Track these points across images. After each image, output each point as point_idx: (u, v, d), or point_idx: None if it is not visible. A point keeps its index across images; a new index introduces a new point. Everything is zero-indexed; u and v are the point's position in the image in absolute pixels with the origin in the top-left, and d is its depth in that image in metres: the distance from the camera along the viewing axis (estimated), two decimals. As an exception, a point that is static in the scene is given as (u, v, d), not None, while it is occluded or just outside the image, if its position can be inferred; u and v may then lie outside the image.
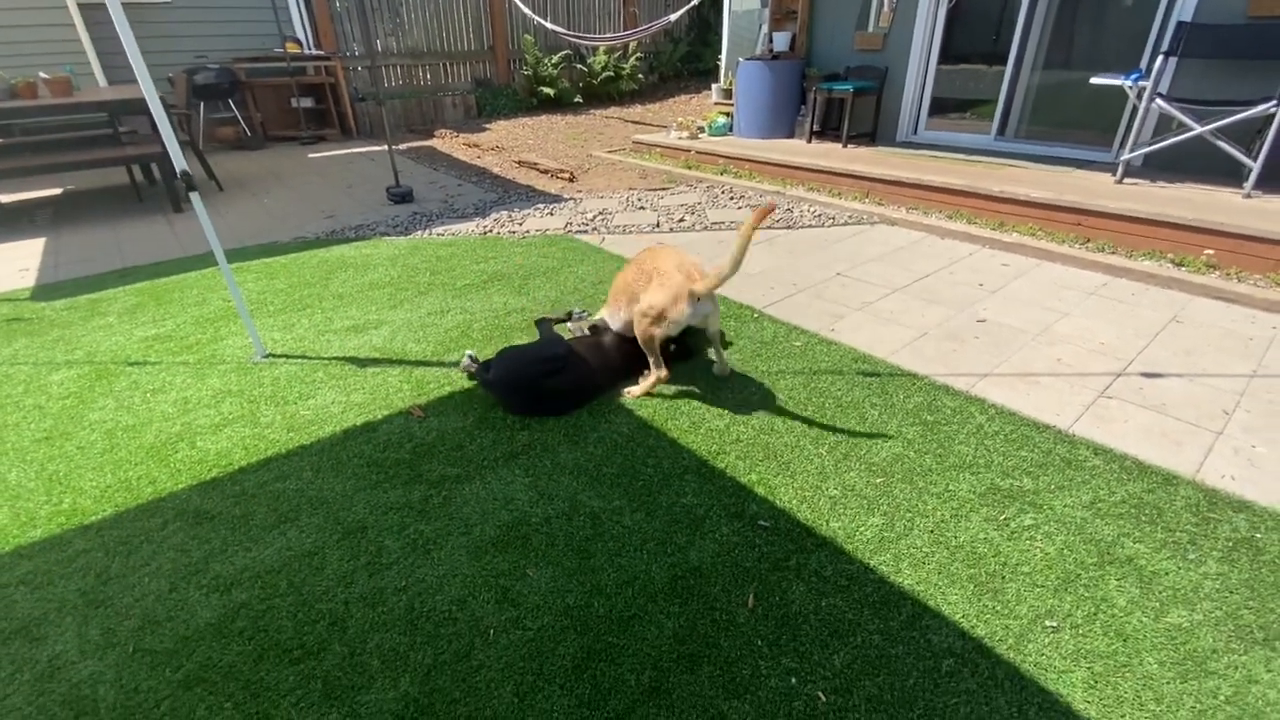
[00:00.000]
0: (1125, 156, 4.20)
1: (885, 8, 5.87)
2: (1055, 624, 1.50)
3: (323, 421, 2.36)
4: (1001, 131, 5.53)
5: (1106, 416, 2.27)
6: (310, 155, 7.30)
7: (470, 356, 2.62)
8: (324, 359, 2.81)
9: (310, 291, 3.54)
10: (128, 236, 4.57)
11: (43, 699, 1.40)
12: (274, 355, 2.85)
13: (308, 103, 7.97)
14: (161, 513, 1.94)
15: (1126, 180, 4.21)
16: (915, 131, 5.98)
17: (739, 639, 1.49)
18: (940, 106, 5.94)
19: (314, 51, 8.00)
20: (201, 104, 7.16)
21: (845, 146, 5.77)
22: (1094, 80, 4.29)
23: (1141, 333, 2.86)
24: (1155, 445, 2.11)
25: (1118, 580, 1.62)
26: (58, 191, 5.88)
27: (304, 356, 2.83)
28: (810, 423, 2.28)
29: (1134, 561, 1.67)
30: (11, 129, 5.79)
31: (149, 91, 2.37)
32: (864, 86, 5.75)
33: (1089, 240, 3.83)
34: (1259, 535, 1.73)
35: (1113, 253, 3.67)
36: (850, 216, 4.58)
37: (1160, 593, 1.58)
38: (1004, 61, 5.32)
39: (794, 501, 1.91)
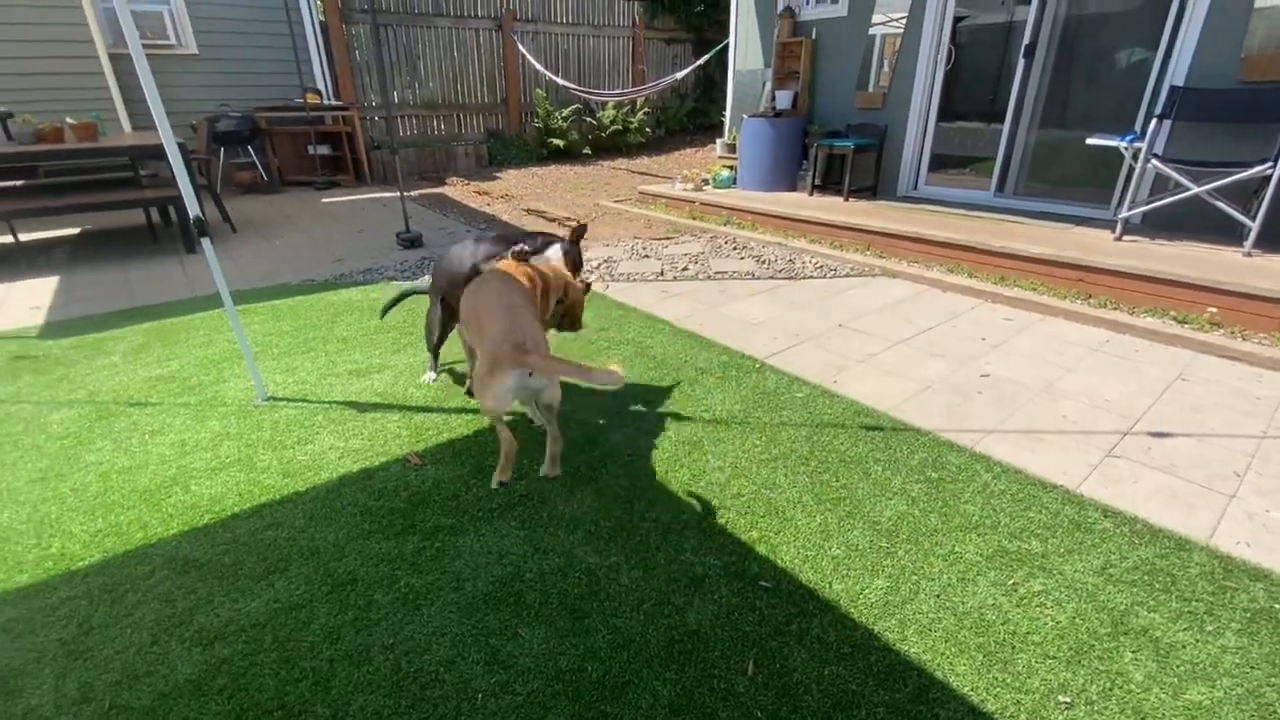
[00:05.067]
0: (1123, 214, 4.27)
1: (885, 68, 6.08)
2: (1069, 700, 1.44)
3: (319, 467, 2.33)
4: (1000, 188, 5.63)
5: (1115, 476, 2.23)
6: (324, 200, 7.48)
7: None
8: (325, 403, 2.80)
9: (315, 334, 3.56)
10: (139, 276, 4.64)
11: (9, 760, 1.34)
12: (275, 398, 2.85)
13: (324, 150, 8.21)
14: (150, 560, 1.90)
15: (1125, 237, 4.26)
16: (915, 187, 6.10)
17: (738, 710, 1.42)
18: (940, 163, 6.08)
19: (333, 102, 8.29)
20: (222, 149, 7.38)
21: (847, 200, 5.88)
22: (1090, 140, 4.39)
23: (1147, 390, 2.83)
24: (1166, 507, 2.06)
25: (1133, 652, 1.55)
26: (75, 231, 6.01)
27: (305, 400, 2.83)
28: (813, 478, 2.25)
29: (1149, 632, 1.61)
30: (37, 171, 5.97)
31: (167, 139, 2.44)
32: (865, 143, 5.90)
33: (1090, 296, 3.85)
34: (1278, 606, 1.67)
35: (1115, 309, 3.68)
36: (852, 269, 4.63)
37: (1178, 667, 1.51)
38: (1002, 120, 5.47)
39: (796, 561, 1.86)
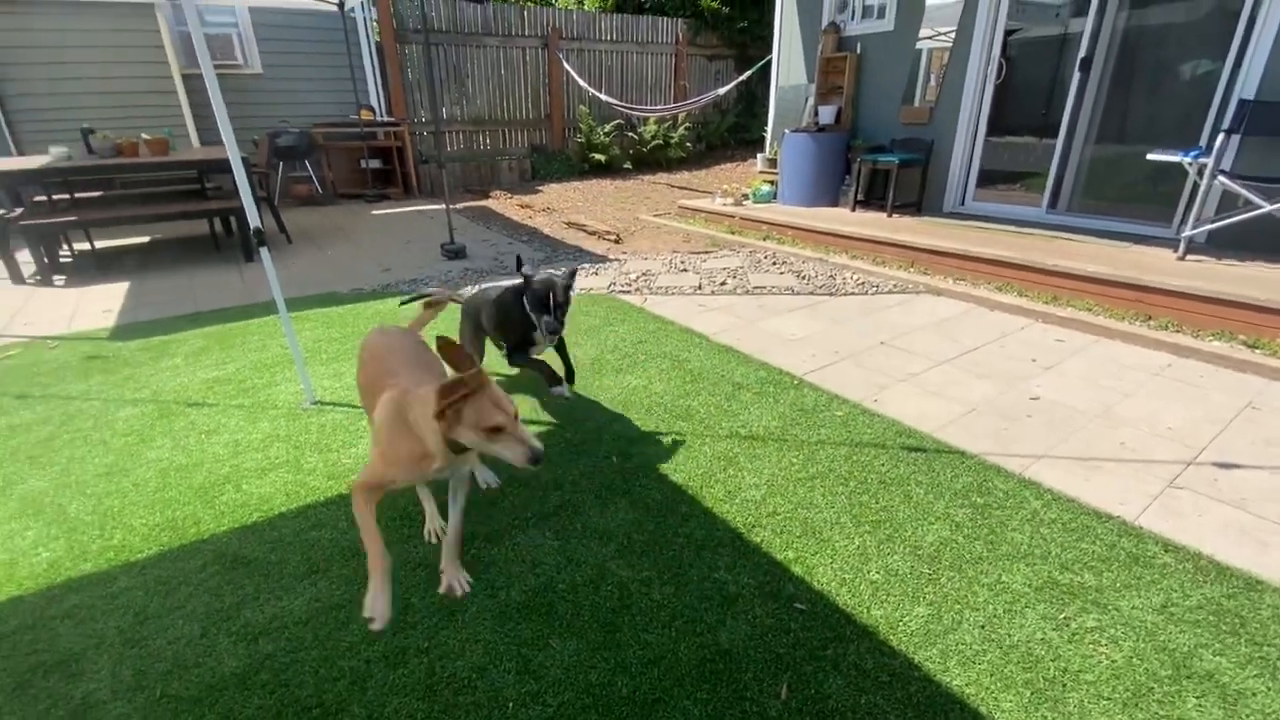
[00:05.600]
0: (1187, 232, 4.07)
1: (932, 82, 5.98)
2: (1124, 744, 1.36)
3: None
4: (1053, 204, 5.46)
5: (1177, 509, 2.11)
6: (374, 212, 7.74)
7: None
8: (369, 408, 2.88)
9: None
10: (202, 283, 4.88)
11: (67, 742, 1.41)
12: (323, 402, 2.94)
13: (375, 164, 8.52)
14: (202, 555, 1.98)
15: (1189, 257, 4.07)
16: (963, 202, 5.96)
17: (770, 733, 1.39)
18: (988, 178, 5.93)
19: (385, 118, 8.61)
20: (281, 163, 7.73)
21: (890, 216, 5.78)
22: (1151, 156, 4.22)
23: (1213, 419, 2.68)
24: (1235, 544, 1.94)
25: (1197, 699, 1.46)
26: (145, 240, 6.37)
27: (350, 405, 2.91)
28: (851, 499, 2.20)
29: (1215, 677, 1.51)
30: (113, 183, 6.36)
31: (233, 155, 2.57)
32: (910, 158, 5.80)
33: (1150, 318, 3.68)
34: (1361, 656, 1.55)
35: (1177, 331, 3.51)
36: (895, 285, 4.54)
37: (1247, 716, 1.41)
38: (1055, 134, 5.31)
39: (833, 584, 1.82)
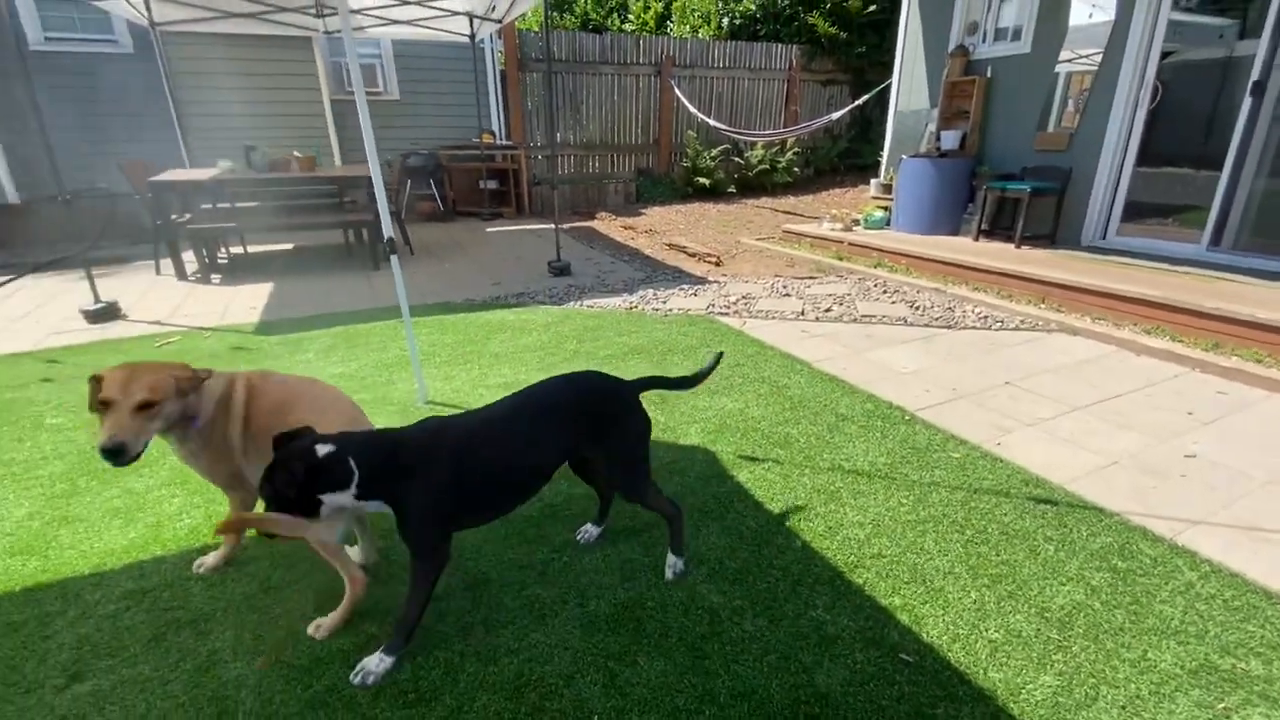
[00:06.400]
0: (1392, 278, 3.49)
1: (1070, 107, 5.55)
2: None
3: (465, 470, 2.49)
4: (1216, 241, 4.86)
5: (1381, 601, 1.77)
6: (488, 229, 8.19)
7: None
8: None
9: (472, 348, 3.86)
10: (335, 287, 5.34)
11: (196, 691, 1.53)
12: (434, 402, 3.10)
13: (492, 184, 9.03)
14: (319, 535, 2.11)
15: (1395, 306, 3.47)
16: (1104, 236, 5.45)
17: (870, 793, 1.28)
18: (1136, 211, 5.38)
19: (504, 142, 9.13)
20: (409, 182, 8.37)
21: (1019, 247, 5.38)
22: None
23: None
24: None
25: None
26: (289, 246, 7.08)
27: (458, 406, 3.05)
28: (968, 548, 2.02)
29: None
30: (265, 194, 7.14)
31: (375, 174, 2.80)
32: (1043, 187, 5.39)
33: (1341, 374, 3.16)
34: None
35: (1378, 392, 2.99)
36: (1022, 321, 4.20)
37: None
38: (1218, 165, 4.75)
39: (944, 638, 1.66)
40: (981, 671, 1.56)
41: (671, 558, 1.90)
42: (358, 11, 6.53)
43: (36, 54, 6.84)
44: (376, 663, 1.55)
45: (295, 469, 1.38)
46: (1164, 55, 5.08)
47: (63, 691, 1.53)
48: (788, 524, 2.14)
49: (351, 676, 1.54)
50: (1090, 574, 1.90)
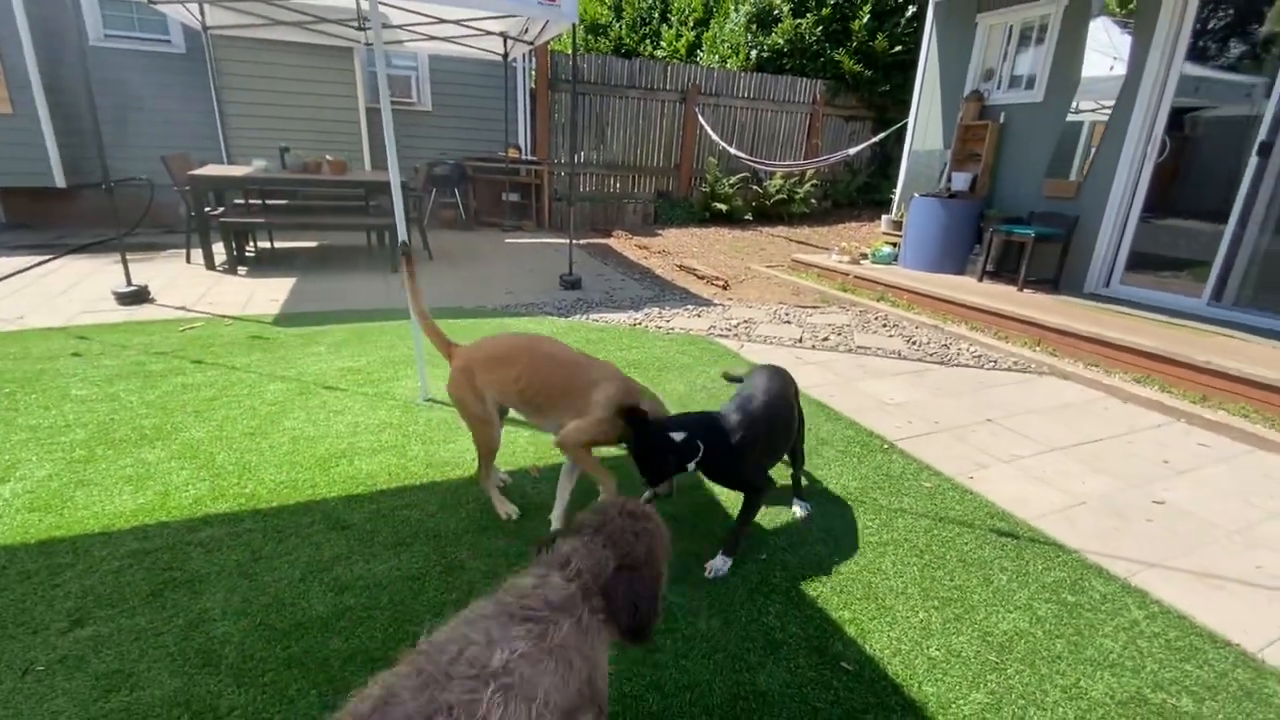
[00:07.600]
0: (1383, 344, 3.52)
1: (1080, 157, 5.65)
2: None
3: (455, 464, 2.62)
4: (1217, 296, 4.91)
5: (1319, 651, 1.82)
6: (507, 240, 8.42)
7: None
8: (471, 411, 3.14)
9: (476, 352, 4.01)
10: (353, 286, 5.55)
11: (185, 644, 1.66)
12: (433, 400, 3.25)
13: (514, 197, 9.29)
14: (312, 513, 2.25)
15: (1385, 372, 3.50)
16: (1107, 284, 5.51)
17: (792, 783, 1.37)
18: (1140, 262, 5.44)
19: (529, 157, 9.41)
20: (434, 190, 8.65)
21: (1021, 290, 5.45)
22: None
23: (1389, 558, 2.28)
24: (1390, 704, 1.65)
25: None
26: (314, 244, 7.35)
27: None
28: (924, 572, 2.10)
29: (1333, 846, 1.29)
30: (297, 194, 7.43)
31: (394, 180, 2.99)
32: (1049, 233, 5.48)
33: (1324, 434, 3.20)
34: None
35: (1357, 454, 3.02)
36: (1015, 362, 4.27)
37: None
38: (1224, 219, 4.81)
39: (886, 652, 1.75)
40: (916, 685, 1.64)
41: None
42: (398, 27, 6.85)
43: (96, 49, 7.23)
44: (721, 563, 2.02)
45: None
46: (1185, 110, 5.18)
47: (65, 634, 1.67)
48: (754, 535, 2.24)
49: (706, 573, 2.01)
50: (1038, 604, 1.97)
